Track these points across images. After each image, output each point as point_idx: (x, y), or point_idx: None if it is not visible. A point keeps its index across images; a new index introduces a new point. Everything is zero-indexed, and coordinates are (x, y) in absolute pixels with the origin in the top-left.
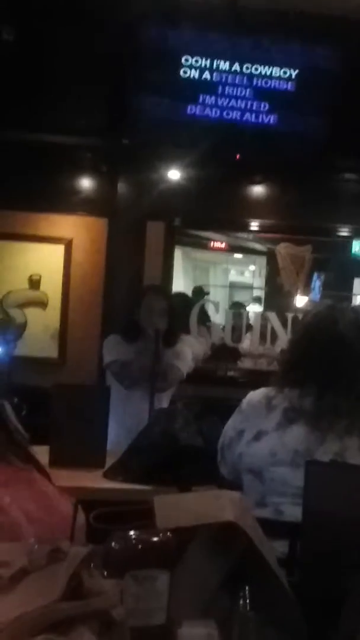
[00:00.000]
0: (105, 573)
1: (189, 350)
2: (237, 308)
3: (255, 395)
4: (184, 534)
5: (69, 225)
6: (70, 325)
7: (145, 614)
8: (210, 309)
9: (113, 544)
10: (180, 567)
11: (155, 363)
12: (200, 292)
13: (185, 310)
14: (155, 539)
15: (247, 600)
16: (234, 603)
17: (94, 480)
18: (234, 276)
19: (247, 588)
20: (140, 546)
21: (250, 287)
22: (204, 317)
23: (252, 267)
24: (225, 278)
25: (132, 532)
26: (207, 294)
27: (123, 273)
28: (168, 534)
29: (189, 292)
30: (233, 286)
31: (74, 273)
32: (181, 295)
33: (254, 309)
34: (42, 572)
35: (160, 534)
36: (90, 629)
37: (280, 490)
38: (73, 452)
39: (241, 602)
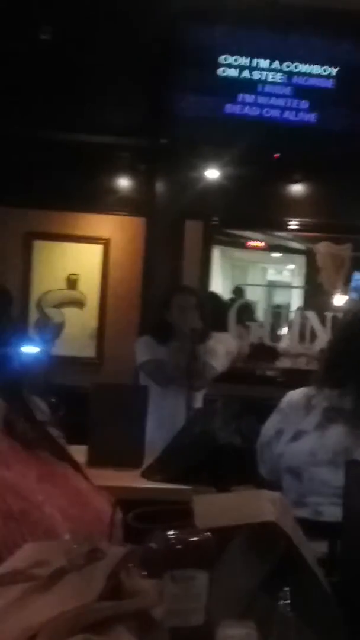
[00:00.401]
0: (144, 573)
1: (222, 348)
2: (276, 307)
3: (295, 395)
4: (223, 534)
5: (106, 225)
6: (108, 325)
7: (184, 614)
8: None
9: (152, 543)
10: (219, 567)
11: (192, 362)
12: (240, 292)
13: (218, 310)
14: (194, 538)
15: (287, 601)
16: (273, 604)
17: (132, 480)
18: (272, 275)
19: (286, 589)
20: (179, 546)
21: (289, 287)
22: (242, 316)
23: (291, 266)
24: (264, 277)
25: (171, 532)
26: (242, 293)
27: (161, 273)
28: (207, 533)
29: (227, 292)
30: (272, 285)
31: (112, 273)
32: (213, 295)
33: (293, 308)
34: (81, 572)
35: (200, 534)
36: (129, 629)
37: (320, 490)
38: (111, 451)
39: (281, 603)
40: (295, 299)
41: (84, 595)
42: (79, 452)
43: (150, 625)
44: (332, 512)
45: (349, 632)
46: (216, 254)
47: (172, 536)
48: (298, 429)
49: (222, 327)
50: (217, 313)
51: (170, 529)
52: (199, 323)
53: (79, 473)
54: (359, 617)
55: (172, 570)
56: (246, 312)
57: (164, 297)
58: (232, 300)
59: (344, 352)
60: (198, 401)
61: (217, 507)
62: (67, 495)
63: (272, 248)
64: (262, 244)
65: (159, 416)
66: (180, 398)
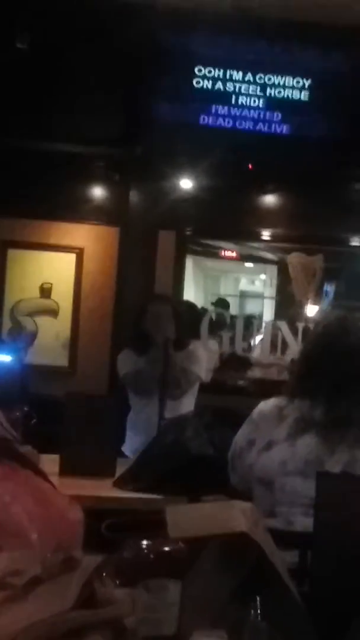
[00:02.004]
0: (118, 582)
1: (204, 353)
2: (248, 317)
3: (266, 405)
4: (195, 544)
5: (80, 234)
6: (81, 334)
7: (157, 624)
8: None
9: (125, 553)
10: (192, 576)
11: (165, 371)
12: (222, 303)
13: (192, 319)
14: (167, 548)
15: (258, 611)
16: (245, 613)
17: (104, 489)
18: (244, 285)
19: (258, 598)
20: (152, 556)
21: (261, 297)
22: (214, 327)
23: (263, 276)
24: (236, 287)
25: (144, 542)
26: (227, 305)
27: (134, 282)
28: (180, 543)
29: (201, 301)
30: (244, 295)
31: (85, 282)
32: (190, 304)
33: (265, 318)
34: (55, 581)
35: (172, 544)
36: (103, 637)
37: (291, 500)
38: (84, 460)
39: (252, 612)
40: (268, 309)
41: (59, 604)
42: (52, 461)
43: (124, 633)
44: (303, 522)
45: None
46: (189, 263)
47: (145, 546)
48: (269, 440)
49: (195, 336)
50: (191, 322)
51: (143, 539)
52: (173, 332)
53: (40, 476)
54: (329, 626)
55: (145, 579)
56: (218, 322)
57: (140, 306)
58: (208, 309)
59: (315, 363)
60: (187, 408)
61: (190, 518)
62: (31, 495)
63: (244, 258)
64: (235, 254)
65: (139, 425)
66: (153, 407)
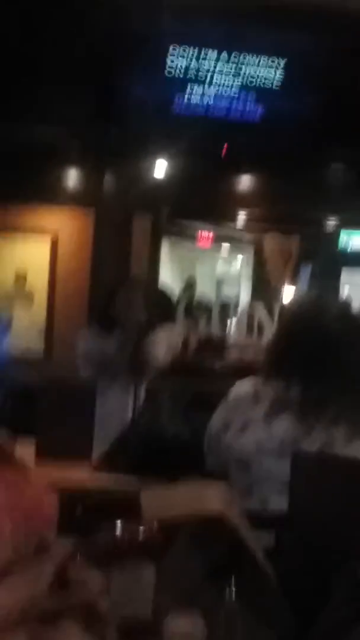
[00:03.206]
0: (92, 565)
1: (164, 339)
2: (224, 300)
3: (242, 387)
4: (170, 525)
5: (55, 218)
6: (57, 320)
7: (131, 605)
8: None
9: (99, 536)
10: (167, 558)
11: (137, 354)
12: (190, 286)
13: (167, 303)
14: (141, 531)
15: (233, 591)
16: (220, 594)
17: (81, 473)
18: (221, 268)
19: (233, 579)
20: (126, 538)
21: (237, 279)
22: (191, 309)
23: (239, 259)
24: (213, 269)
25: (118, 525)
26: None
27: (109, 266)
28: (154, 525)
29: (176, 284)
30: (221, 278)
31: (60, 266)
32: (163, 289)
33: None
34: (28, 564)
35: (147, 526)
36: (76, 620)
37: (267, 481)
38: (60, 445)
39: (227, 593)
40: (244, 292)
41: (32, 588)
42: (28, 445)
43: (97, 616)
44: (279, 503)
45: (294, 620)
46: (165, 246)
47: (120, 529)
48: (245, 421)
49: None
50: (165, 306)
51: (117, 522)
52: (144, 315)
53: (12, 464)
54: (304, 606)
55: (119, 562)
56: (195, 305)
57: (110, 289)
58: (184, 291)
59: (290, 344)
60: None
61: (165, 500)
62: (4, 486)
63: (220, 240)
64: (211, 236)
65: (104, 409)
66: (124, 390)
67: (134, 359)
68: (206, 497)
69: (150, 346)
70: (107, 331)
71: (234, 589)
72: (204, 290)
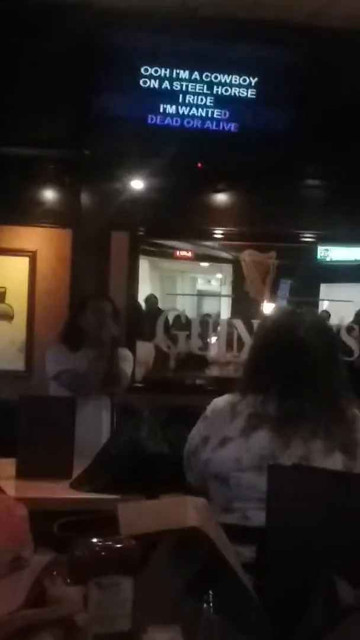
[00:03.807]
0: (69, 580)
1: (130, 354)
2: (204, 316)
3: (220, 402)
4: (148, 540)
5: (33, 237)
6: (36, 337)
7: (110, 620)
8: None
9: (76, 551)
10: (145, 573)
11: (110, 369)
12: (150, 301)
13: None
14: (118, 545)
15: (212, 605)
16: (198, 607)
17: (61, 491)
18: (201, 285)
19: (211, 592)
20: (103, 553)
21: (217, 296)
22: (171, 326)
23: (218, 275)
24: (193, 287)
25: (95, 539)
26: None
27: (88, 284)
28: (132, 540)
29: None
30: (201, 294)
31: (39, 285)
32: (137, 305)
33: (221, 317)
34: (4, 580)
35: (124, 541)
36: (54, 635)
37: (247, 495)
38: (40, 463)
39: (205, 606)
40: (224, 308)
41: (8, 603)
42: (9, 465)
43: (75, 631)
44: (260, 517)
45: (273, 634)
46: (144, 264)
47: (97, 543)
48: (223, 436)
49: (147, 336)
50: (137, 322)
51: (94, 537)
52: (115, 329)
53: None
54: (284, 620)
55: (97, 577)
56: (175, 321)
57: (79, 303)
58: (148, 308)
59: (266, 358)
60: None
61: (142, 514)
62: None
63: (199, 258)
64: (190, 253)
65: (82, 425)
66: (98, 406)
67: (108, 373)
68: (183, 511)
69: (125, 362)
70: (75, 346)
71: (212, 602)
72: (184, 306)
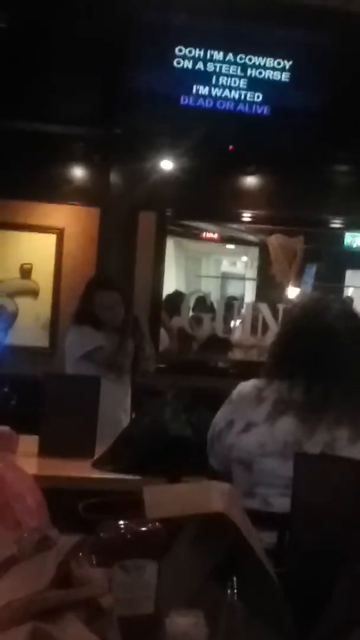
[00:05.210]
0: (94, 562)
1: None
2: (229, 299)
3: (245, 387)
4: (173, 524)
5: (61, 214)
6: (61, 315)
7: (133, 603)
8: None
9: (102, 533)
10: (169, 557)
11: (138, 350)
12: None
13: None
14: (144, 528)
15: (235, 591)
16: (221, 593)
17: (83, 470)
18: (226, 267)
19: (234, 578)
20: (129, 536)
21: (242, 278)
22: (196, 308)
23: (244, 258)
24: (218, 269)
25: (121, 522)
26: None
27: (115, 263)
28: (157, 524)
29: (182, 282)
30: (225, 277)
31: (66, 262)
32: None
33: (246, 300)
34: (31, 561)
35: (149, 524)
36: (78, 617)
37: (269, 481)
38: (63, 441)
39: (229, 592)
40: (249, 291)
41: (34, 584)
42: (32, 442)
43: (100, 613)
44: (282, 503)
45: (295, 620)
46: (170, 245)
47: (122, 526)
48: (248, 421)
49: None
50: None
51: (120, 519)
52: (122, 316)
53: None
54: (306, 606)
55: (122, 559)
56: (200, 303)
57: (87, 293)
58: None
59: (292, 344)
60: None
61: (167, 498)
62: None
63: (225, 240)
64: (216, 235)
65: (106, 406)
66: (120, 387)
67: (135, 355)
68: (209, 496)
69: (147, 344)
70: (97, 329)
71: (235, 588)
72: (209, 289)
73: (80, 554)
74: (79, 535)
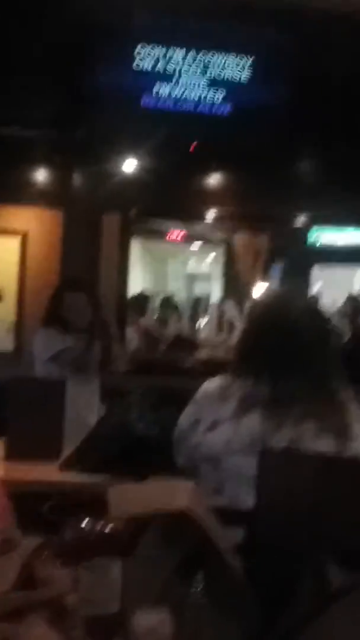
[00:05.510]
0: (59, 563)
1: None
2: (195, 298)
3: (211, 385)
4: (137, 522)
5: (24, 218)
6: (26, 318)
7: (99, 603)
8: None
9: (66, 534)
10: (134, 555)
11: (106, 351)
12: (168, 303)
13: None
14: (108, 528)
15: (200, 588)
16: (186, 590)
17: (50, 473)
18: (192, 266)
19: (199, 575)
20: (93, 536)
21: (208, 278)
22: (162, 308)
23: (209, 258)
24: (184, 268)
25: (85, 522)
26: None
27: (79, 265)
28: (121, 523)
29: (148, 283)
30: (191, 276)
31: (30, 266)
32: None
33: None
34: None
35: (114, 524)
36: (43, 617)
37: (237, 478)
38: (30, 444)
39: (194, 589)
40: (215, 290)
41: None
42: None
43: (64, 613)
44: (249, 500)
45: (260, 616)
46: (135, 245)
47: (86, 526)
48: (214, 419)
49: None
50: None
51: (84, 520)
52: (90, 318)
53: None
54: (271, 601)
55: (86, 559)
56: (166, 303)
57: (54, 294)
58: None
59: (257, 341)
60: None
61: (131, 497)
62: None
63: (190, 239)
64: (181, 235)
65: (72, 406)
66: (87, 388)
67: (103, 356)
68: (173, 494)
69: (115, 344)
70: (65, 331)
71: (201, 585)
72: (175, 287)
73: (45, 554)
74: (44, 535)
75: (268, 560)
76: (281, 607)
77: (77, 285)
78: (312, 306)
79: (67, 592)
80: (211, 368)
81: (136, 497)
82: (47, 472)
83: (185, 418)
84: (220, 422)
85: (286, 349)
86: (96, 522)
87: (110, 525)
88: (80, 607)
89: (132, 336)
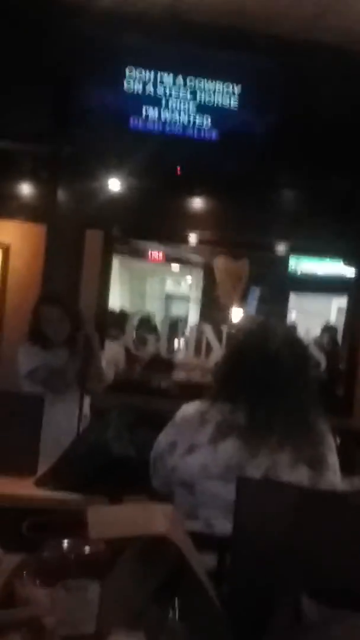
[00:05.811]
0: (38, 582)
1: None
2: (173, 319)
3: (189, 409)
4: (116, 544)
5: (7, 231)
6: (6, 332)
7: (76, 623)
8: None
9: (45, 553)
10: (111, 577)
11: (87, 366)
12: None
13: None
14: (87, 549)
15: (176, 611)
16: (162, 614)
17: (25, 488)
18: (170, 287)
19: (176, 599)
20: (72, 556)
21: (186, 299)
22: (140, 328)
23: (189, 279)
24: (162, 289)
25: (64, 542)
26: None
27: (61, 280)
28: (100, 544)
29: (126, 301)
30: (170, 297)
31: (11, 279)
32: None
33: (190, 321)
34: None
35: (92, 545)
36: (21, 636)
37: (211, 503)
38: (5, 459)
39: (170, 613)
40: (193, 312)
41: None
42: None
43: (42, 633)
44: (223, 526)
45: None
46: (116, 263)
47: (66, 546)
48: (191, 443)
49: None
50: (115, 322)
51: (63, 539)
52: (67, 332)
53: None
54: (245, 628)
55: (64, 579)
56: (144, 323)
57: (33, 308)
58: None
59: (236, 368)
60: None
61: (111, 519)
62: None
63: (171, 260)
64: (161, 255)
65: (49, 424)
66: (67, 405)
67: (82, 373)
68: (152, 518)
69: (97, 361)
70: (46, 347)
71: (177, 608)
72: (153, 307)
73: (24, 573)
74: (23, 553)
75: (242, 589)
76: (255, 635)
77: (52, 298)
78: (291, 335)
79: (46, 612)
80: (188, 390)
81: (116, 519)
82: (21, 488)
83: (162, 440)
84: (197, 446)
85: (265, 377)
86: (75, 543)
87: (89, 546)
88: (57, 626)
89: (111, 354)
